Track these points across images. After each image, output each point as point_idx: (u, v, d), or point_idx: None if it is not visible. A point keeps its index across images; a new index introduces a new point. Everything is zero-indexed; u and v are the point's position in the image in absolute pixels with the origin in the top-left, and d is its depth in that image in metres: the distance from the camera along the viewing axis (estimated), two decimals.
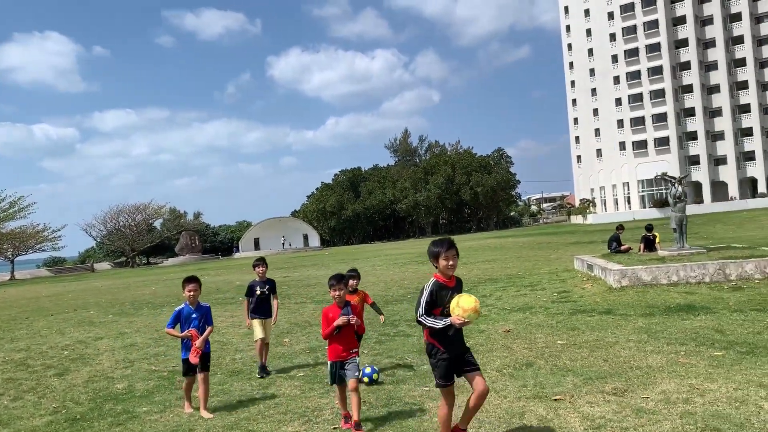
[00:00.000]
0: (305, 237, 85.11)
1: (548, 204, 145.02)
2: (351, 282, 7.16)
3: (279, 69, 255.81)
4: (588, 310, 10.92)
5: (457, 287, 4.59)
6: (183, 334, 6.36)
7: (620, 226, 19.53)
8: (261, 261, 8.31)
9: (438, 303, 4.49)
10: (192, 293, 6.38)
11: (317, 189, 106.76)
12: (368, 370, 7.06)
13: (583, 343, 8.30)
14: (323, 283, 20.83)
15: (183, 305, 6.48)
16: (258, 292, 8.08)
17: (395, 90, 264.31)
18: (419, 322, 4.56)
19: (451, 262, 4.50)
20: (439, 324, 4.44)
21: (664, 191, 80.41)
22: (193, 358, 6.32)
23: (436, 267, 4.59)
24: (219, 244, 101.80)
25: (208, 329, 6.50)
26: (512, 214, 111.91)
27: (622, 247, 18.20)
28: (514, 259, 25.65)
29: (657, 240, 17.93)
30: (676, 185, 14.57)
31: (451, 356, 4.57)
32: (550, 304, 12.04)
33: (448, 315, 4.42)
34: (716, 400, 5.35)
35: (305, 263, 38.12)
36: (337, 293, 5.67)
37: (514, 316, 10.96)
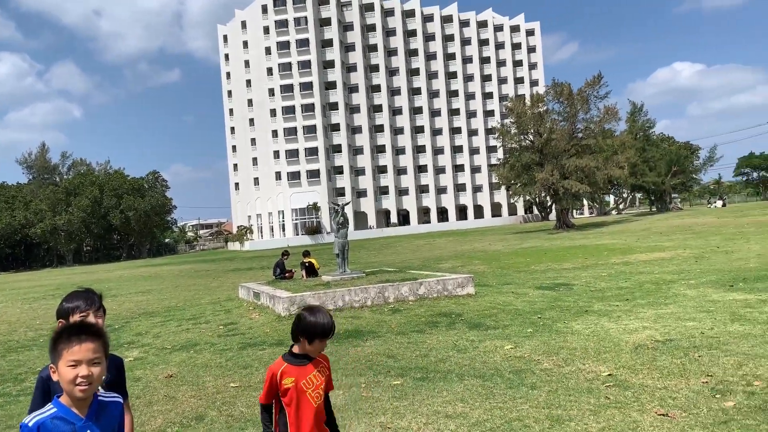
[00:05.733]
0: None
1: (205, 230, 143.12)
2: None
3: None
4: (258, 343, 10.12)
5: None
6: None
7: (285, 252, 19.48)
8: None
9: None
10: (85, 376, 2.26)
11: None
12: None
13: (258, 384, 7.38)
14: None
15: (50, 409, 2.32)
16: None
17: (26, 99, 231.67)
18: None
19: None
20: None
21: (315, 220, 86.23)
22: None
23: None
24: None
25: None
26: (167, 240, 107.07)
27: (287, 273, 18.08)
28: (171, 288, 23.73)
29: (317, 265, 18.30)
30: (340, 212, 14.95)
31: None
32: (216, 338, 10.90)
33: None
34: None
35: None
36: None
37: (176, 357, 9.53)
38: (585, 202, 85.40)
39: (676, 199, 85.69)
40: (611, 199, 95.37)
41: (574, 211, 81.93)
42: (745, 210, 48.62)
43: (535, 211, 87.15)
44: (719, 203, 73.62)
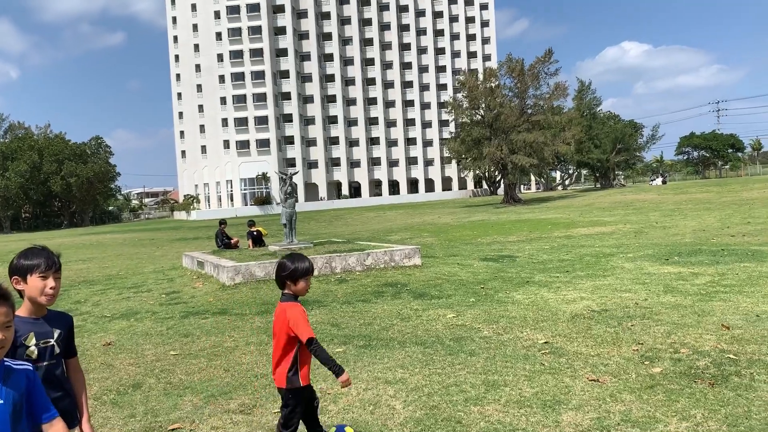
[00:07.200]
0: None
1: (151, 199, 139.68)
2: None
3: None
4: (201, 311, 9.99)
5: None
6: None
7: (222, 221, 19.34)
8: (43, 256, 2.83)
9: None
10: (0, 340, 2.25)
11: None
12: None
13: (199, 352, 7.31)
14: None
15: None
16: (34, 353, 2.79)
17: None
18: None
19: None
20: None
21: (264, 190, 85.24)
22: None
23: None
24: None
25: None
26: (111, 208, 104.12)
27: (232, 241, 17.92)
28: (114, 257, 23.16)
29: (264, 233, 18.19)
30: (288, 182, 14.78)
31: None
32: (158, 307, 10.71)
33: None
34: (351, 406, 4.98)
35: None
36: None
37: (116, 325, 9.33)
38: (532, 177, 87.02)
39: (620, 176, 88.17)
40: (557, 174, 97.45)
41: (522, 186, 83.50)
42: (684, 188, 50.46)
43: (485, 186, 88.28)
44: (660, 181, 76.15)
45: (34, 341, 2.76)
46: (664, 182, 73.60)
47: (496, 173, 61.80)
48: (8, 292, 2.34)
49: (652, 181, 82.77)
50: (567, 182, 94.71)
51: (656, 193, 46.28)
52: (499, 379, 5.45)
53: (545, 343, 6.67)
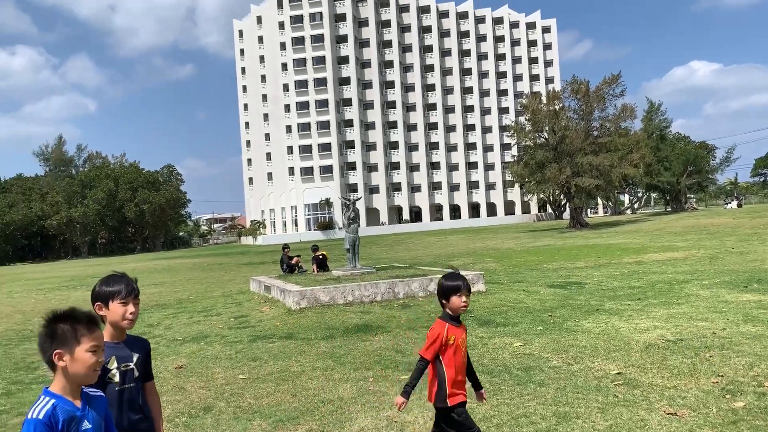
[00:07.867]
0: None
1: (219, 224, 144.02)
2: None
3: None
4: (268, 335, 10.17)
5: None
6: None
7: (285, 246, 19.83)
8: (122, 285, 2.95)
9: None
10: (101, 362, 2.36)
11: None
12: None
13: (267, 376, 7.43)
14: None
15: (48, 401, 2.23)
16: (115, 376, 2.89)
17: (41, 93, 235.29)
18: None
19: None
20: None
21: (327, 215, 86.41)
22: None
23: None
24: None
25: None
26: (181, 234, 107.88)
27: (293, 261, 18.31)
28: (184, 281, 23.91)
29: (328, 256, 18.51)
30: (351, 207, 14.97)
31: None
32: (227, 331, 10.97)
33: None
34: None
35: None
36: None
37: (187, 348, 9.60)
38: (599, 201, 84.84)
39: (692, 199, 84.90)
40: (626, 198, 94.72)
41: (588, 210, 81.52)
42: (761, 211, 48.03)
43: (549, 210, 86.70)
44: (735, 204, 72.85)
45: (115, 365, 2.87)
46: (739, 205, 70.36)
47: (561, 197, 60.62)
48: (98, 317, 2.46)
49: (726, 204, 79.23)
50: (636, 206, 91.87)
51: (731, 217, 44.25)
52: (571, 410, 5.30)
53: (618, 374, 6.44)
